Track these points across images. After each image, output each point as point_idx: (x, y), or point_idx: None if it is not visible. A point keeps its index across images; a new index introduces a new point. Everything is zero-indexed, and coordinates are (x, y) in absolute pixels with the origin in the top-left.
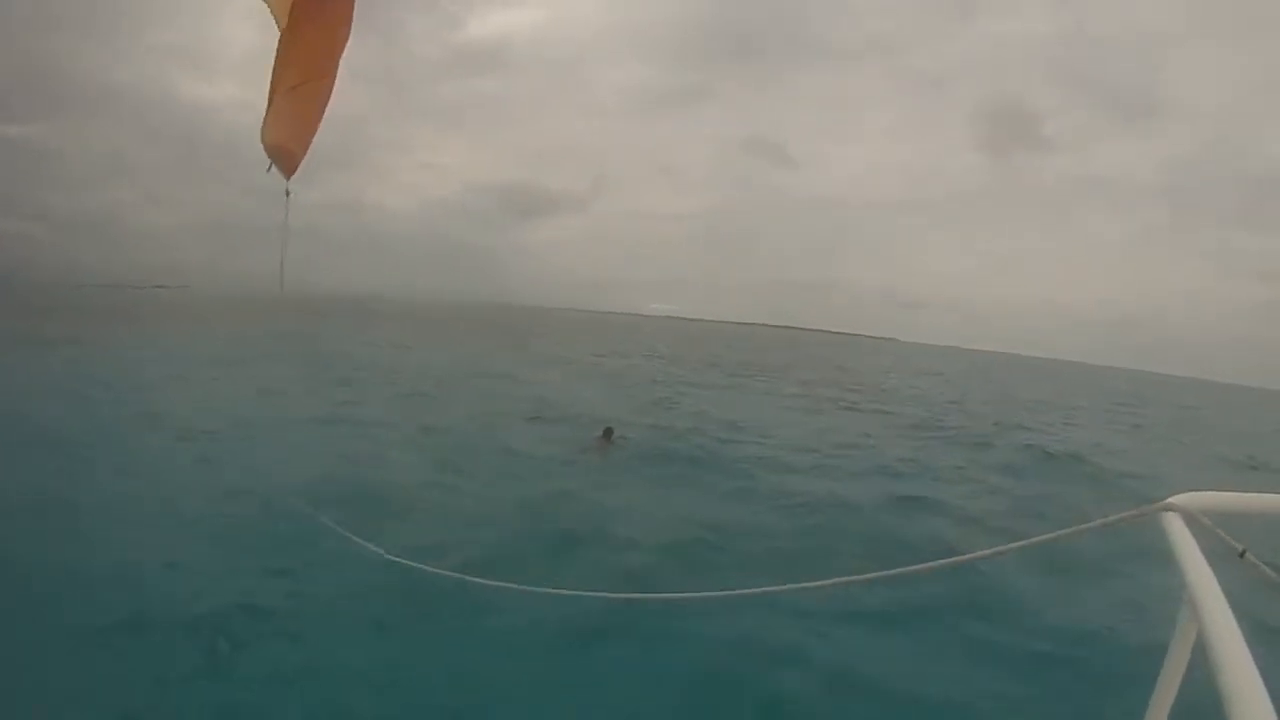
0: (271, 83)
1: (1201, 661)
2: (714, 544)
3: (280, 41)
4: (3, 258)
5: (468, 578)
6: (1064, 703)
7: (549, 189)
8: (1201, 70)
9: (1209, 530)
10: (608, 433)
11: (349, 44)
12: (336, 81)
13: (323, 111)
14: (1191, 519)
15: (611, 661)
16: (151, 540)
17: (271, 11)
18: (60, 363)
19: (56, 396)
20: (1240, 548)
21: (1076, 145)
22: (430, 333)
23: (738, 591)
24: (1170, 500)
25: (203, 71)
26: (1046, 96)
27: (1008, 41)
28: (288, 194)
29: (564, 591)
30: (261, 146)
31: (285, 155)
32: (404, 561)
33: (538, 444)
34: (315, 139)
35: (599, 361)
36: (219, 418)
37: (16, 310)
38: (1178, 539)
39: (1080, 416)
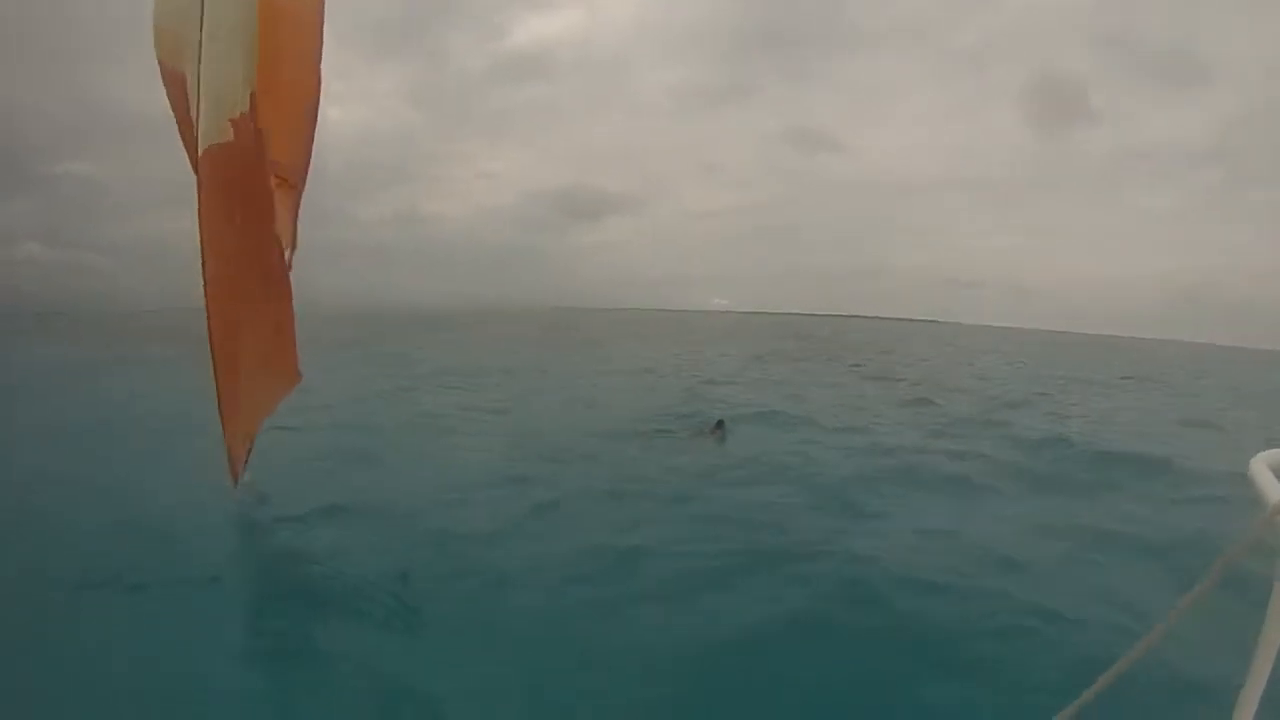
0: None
1: None
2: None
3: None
4: (77, 287)
5: None
6: None
7: (603, 191)
8: (1249, 29)
9: None
10: (719, 424)
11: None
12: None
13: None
14: None
15: None
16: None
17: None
18: None
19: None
20: None
21: (1124, 115)
22: (510, 338)
23: None
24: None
25: None
26: (1091, 66)
27: (1048, 10)
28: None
29: None
30: None
31: (234, 460)
32: None
33: (657, 433)
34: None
35: (687, 361)
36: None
37: (129, 333)
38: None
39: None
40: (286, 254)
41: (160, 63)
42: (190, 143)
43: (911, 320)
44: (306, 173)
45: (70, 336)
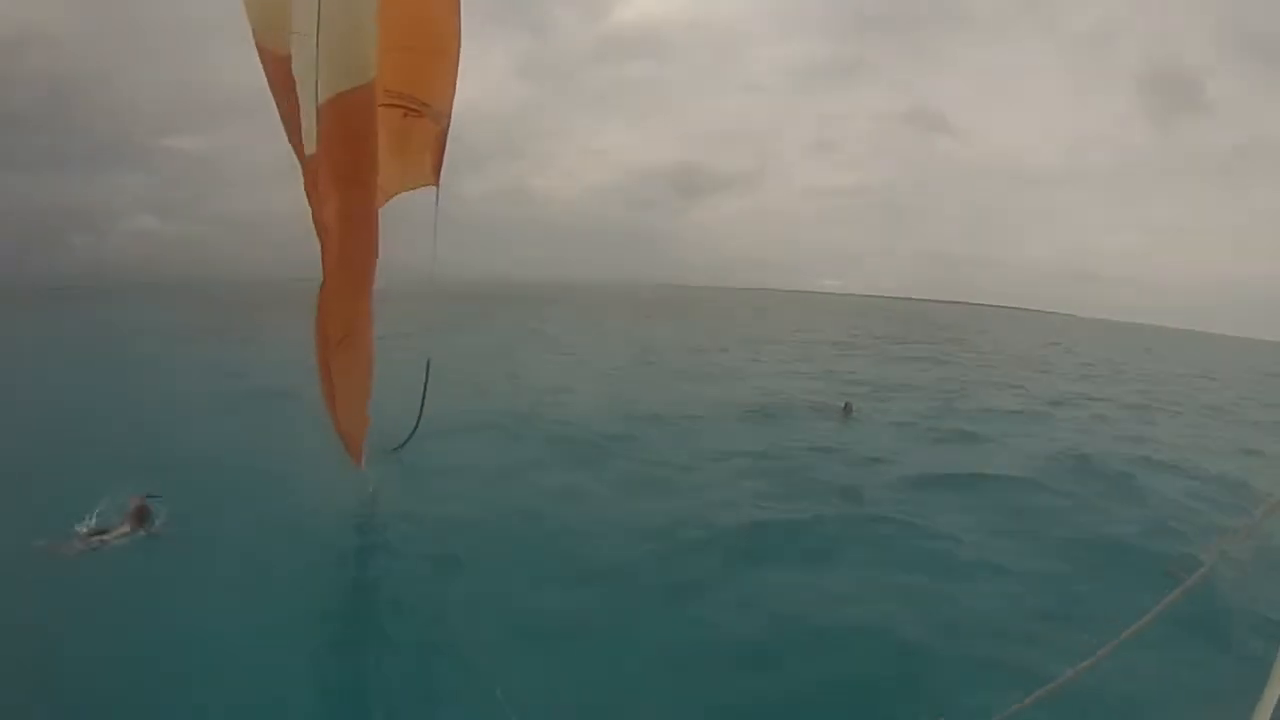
0: (317, 338)
1: None
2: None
3: (321, 292)
4: (191, 257)
5: None
6: None
7: (714, 169)
8: None
9: None
10: (847, 406)
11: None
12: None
13: (370, 368)
14: None
15: None
16: None
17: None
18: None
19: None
20: None
21: (1245, 106)
22: (626, 314)
23: None
24: None
25: None
26: (1212, 55)
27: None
28: (436, 200)
29: None
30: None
31: (352, 444)
32: None
33: (791, 413)
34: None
35: (819, 344)
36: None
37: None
38: None
39: None
40: (435, 189)
41: (259, 47)
42: (294, 125)
43: (1028, 310)
44: (451, 109)
45: (187, 306)
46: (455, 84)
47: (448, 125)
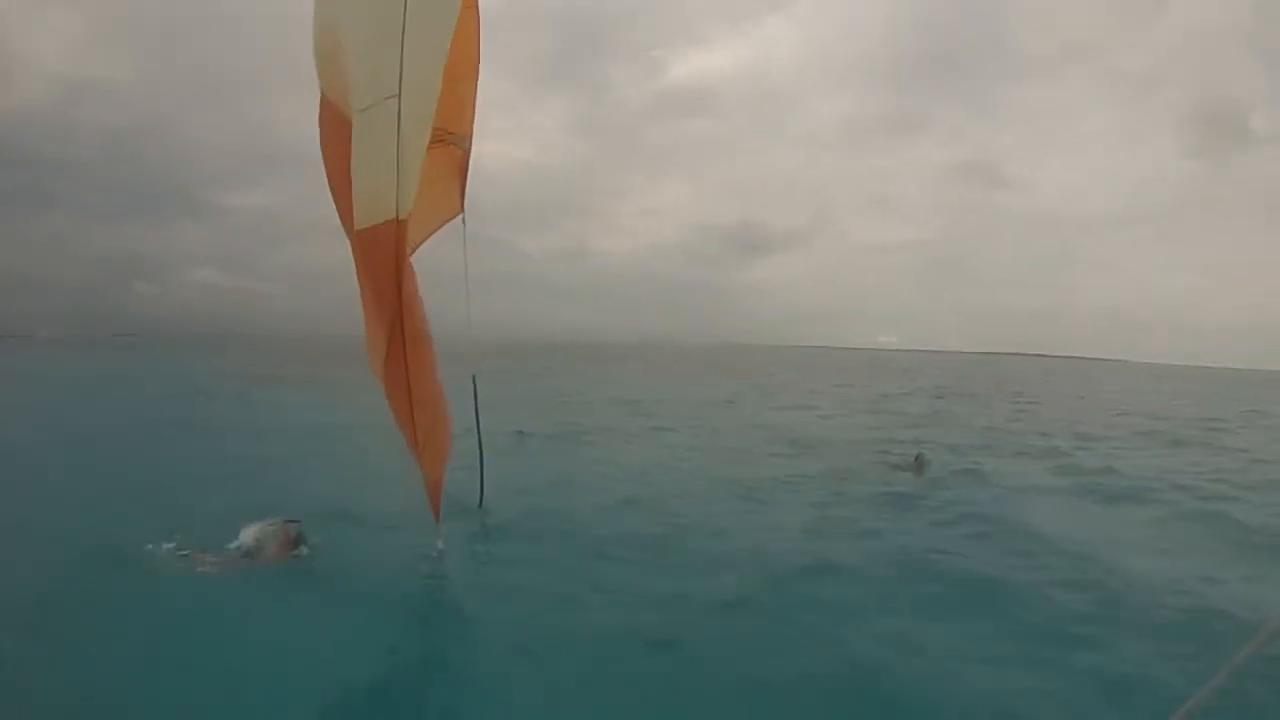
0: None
1: None
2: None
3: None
4: (248, 311)
5: None
6: None
7: (770, 226)
8: None
9: None
10: (919, 458)
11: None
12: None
13: (447, 427)
14: None
15: None
16: None
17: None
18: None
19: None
20: None
21: None
22: (689, 371)
23: None
24: None
25: None
26: (1259, 87)
27: (1209, 32)
28: (464, 225)
29: None
30: None
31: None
32: None
33: (863, 466)
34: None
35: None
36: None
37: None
38: None
39: None
40: (461, 217)
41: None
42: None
43: (1087, 359)
44: (472, 132)
45: (245, 357)
46: (475, 107)
47: (469, 148)
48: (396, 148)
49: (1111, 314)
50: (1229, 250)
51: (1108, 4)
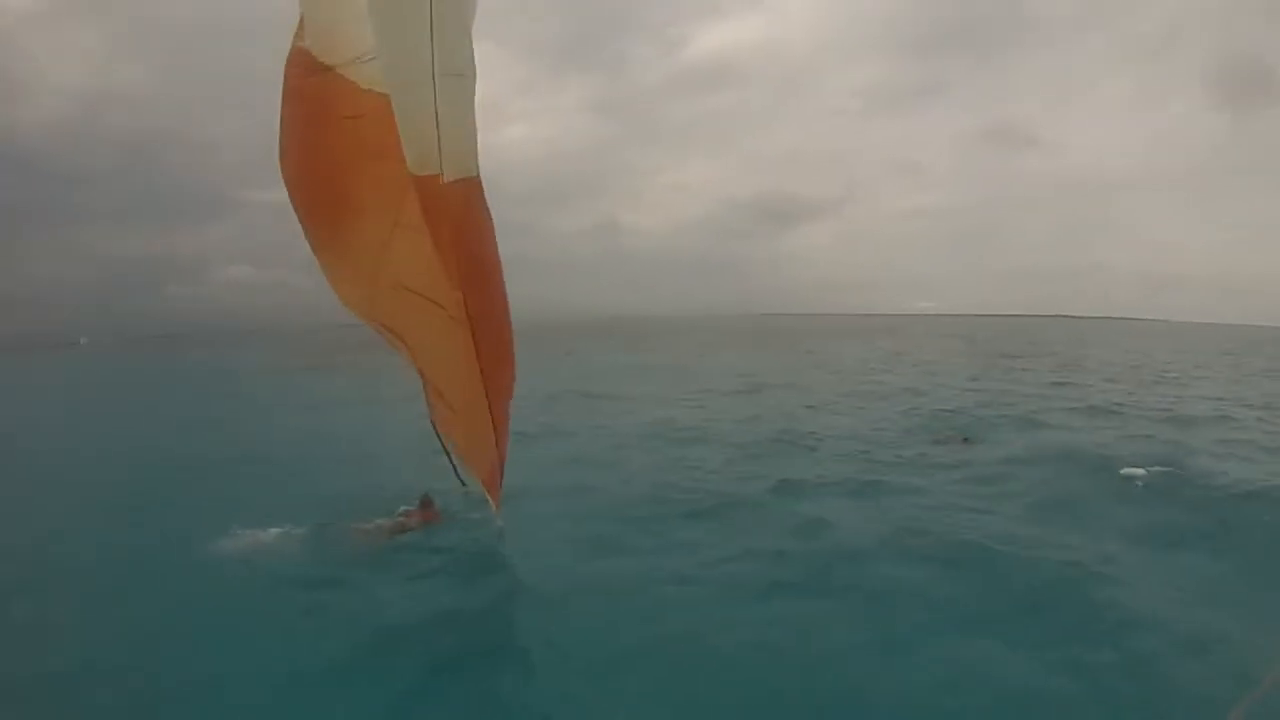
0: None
1: None
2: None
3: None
4: (283, 304)
5: None
6: None
7: (801, 196)
8: None
9: None
10: (966, 439)
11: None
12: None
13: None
14: None
15: None
16: None
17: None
18: None
19: None
20: None
21: None
22: (732, 346)
23: None
24: None
25: None
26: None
27: None
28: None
29: None
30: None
31: (491, 490)
32: None
33: (910, 439)
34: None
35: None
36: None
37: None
38: None
39: None
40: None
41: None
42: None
43: (1128, 319)
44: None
45: (279, 350)
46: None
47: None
48: (474, 114)
49: (1142, 275)
50: (1259, 207)
51: None
